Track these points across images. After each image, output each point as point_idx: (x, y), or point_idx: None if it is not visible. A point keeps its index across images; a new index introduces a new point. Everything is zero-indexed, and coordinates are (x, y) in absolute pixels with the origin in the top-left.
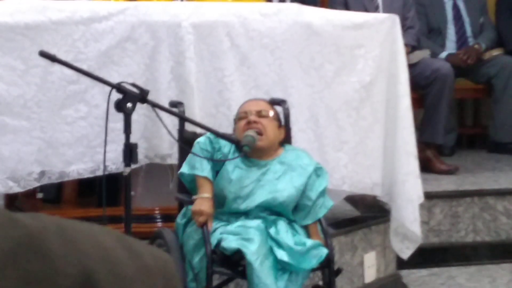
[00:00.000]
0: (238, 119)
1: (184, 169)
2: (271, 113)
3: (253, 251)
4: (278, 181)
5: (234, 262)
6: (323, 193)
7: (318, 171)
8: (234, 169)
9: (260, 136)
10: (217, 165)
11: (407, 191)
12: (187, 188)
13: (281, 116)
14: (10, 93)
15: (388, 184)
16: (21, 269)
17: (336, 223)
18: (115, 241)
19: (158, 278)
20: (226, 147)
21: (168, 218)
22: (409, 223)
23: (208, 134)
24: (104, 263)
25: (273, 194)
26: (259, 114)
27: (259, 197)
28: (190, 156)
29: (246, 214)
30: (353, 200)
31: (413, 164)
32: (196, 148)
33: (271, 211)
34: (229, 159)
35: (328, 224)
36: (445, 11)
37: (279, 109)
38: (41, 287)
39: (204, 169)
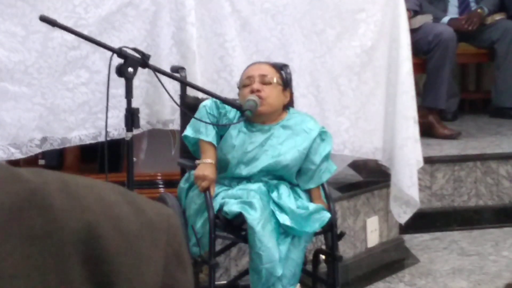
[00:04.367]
0: (242, 86)
1: (188, 131)
2: (275, 79)
3: (254, 215)
4: (282, 146)
5: (237, 227)
6: (327, 157)
7: (323, 135)
8: (238, 134)
9: (262, 101)
10: (222, 129)
11: (406, 155)
12: (190, 151)
13: None
14: (10, 60)
15: (389, 149)
16: (25, 224)
17: (339, 188)
18: (118, 196)
19: (161, 233)
20: (231, 112)
21: (170, 183)
22: (406, 187)
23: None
24: (107, 218)
25: (276, 158)
26: (263, 80)
27: (262, 162)
28: (194, 118)
29: (248, 178)
30: (356, 165)
31: (412, 128)
32: (202, 111)
33: (273, 176)
34: (231, 123)
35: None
36: None
37: None
38: (44, 243)
39: (208, 134)
